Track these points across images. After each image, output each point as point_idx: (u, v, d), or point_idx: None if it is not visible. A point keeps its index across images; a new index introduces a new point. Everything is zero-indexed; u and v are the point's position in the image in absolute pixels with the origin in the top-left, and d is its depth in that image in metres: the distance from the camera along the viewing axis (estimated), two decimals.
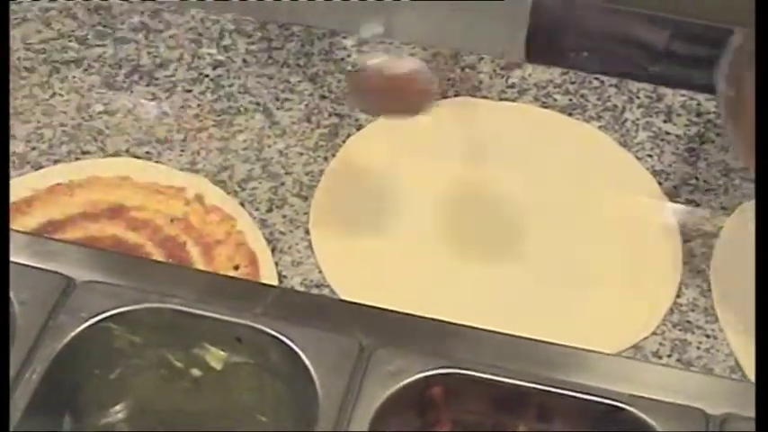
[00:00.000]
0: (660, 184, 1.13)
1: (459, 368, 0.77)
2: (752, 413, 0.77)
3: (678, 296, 1.06)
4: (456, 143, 1.13)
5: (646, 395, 0.76)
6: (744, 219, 1.11)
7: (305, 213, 1.09)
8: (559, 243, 1.09)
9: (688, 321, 1.04)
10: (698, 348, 1.03)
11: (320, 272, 1.05)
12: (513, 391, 0.77)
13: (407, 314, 0.79)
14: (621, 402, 0.75)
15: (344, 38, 1.19)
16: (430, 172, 1.12)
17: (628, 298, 1.06)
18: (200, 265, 1.05)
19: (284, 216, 1.08)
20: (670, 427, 0.74)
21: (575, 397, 0.76)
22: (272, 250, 1.05)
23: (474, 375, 0.76)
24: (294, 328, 0.77)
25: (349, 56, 1.19)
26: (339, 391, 0.74)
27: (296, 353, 0.76)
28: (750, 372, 1.01)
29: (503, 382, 0.76)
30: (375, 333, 0.77)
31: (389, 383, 0.75)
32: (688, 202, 1.12)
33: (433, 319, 0.79)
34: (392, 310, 0.81)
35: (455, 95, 1.18)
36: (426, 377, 0.75)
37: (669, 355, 1.02)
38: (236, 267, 1.05)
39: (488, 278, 1.06)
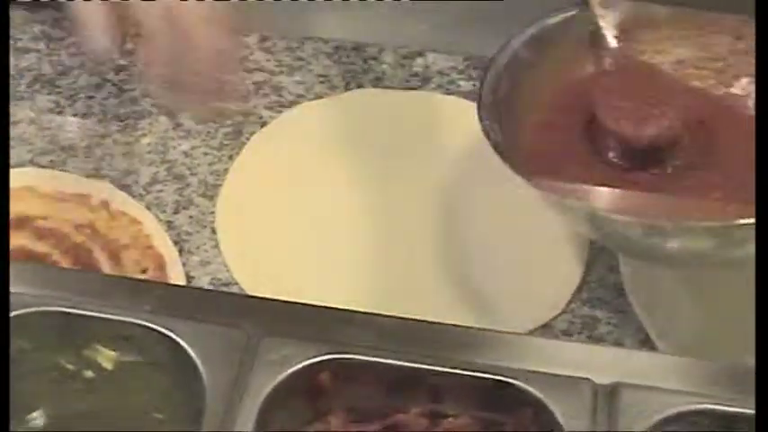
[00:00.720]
0: None
1: (347, 353, 0.76)
2: (640, 381, 0.77)
3: (587, 273, 1.06)
4: (359, 135, 1.13)
5: (533, 369, 0.76)
6: None
7: (211, 213, 1.08)
8: (465, 227, 1.09)
9: (597, 298, 1.05)
10: (608, 324, 1.03)
11: (228, 270, 1.05)
12: (405, 373, 0.77)
13: (298, 303, 0.79)
14: (508, 377, 0.75)
15: (246, 36, 1.19)
16: (334, 165, 1.12)
17: (536, 278, 1.06)
18: (107, 270, 1.05)
19: (191, 217, 1.08)
20: (557, 398, 0.74)
21: (464, 375, 0.76)
22: (180, 252, 1.05)
23: (362, 359, 0.76)
24: (181, 324, 0.77)
25: (252, 54, 1.19)
26: (227, 384, 0.74)
27: (183, 348, 0.76)
28: (659, 343, 1.02)
29: (392, 364, 0.77)
30: (264, 323, 0.77)
31: (276, 372, 0.75)
32: None
33: (324, 307, 0.79)
34: (282, 300, 0.81)
35: (357, 87, 1.17)
36: (313, 364, 0.75)
37: (579, 333, 1.03)
38: (144, 271, 1.05)
39: (396, 267, 1.06)
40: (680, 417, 0.76)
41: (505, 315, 1.03)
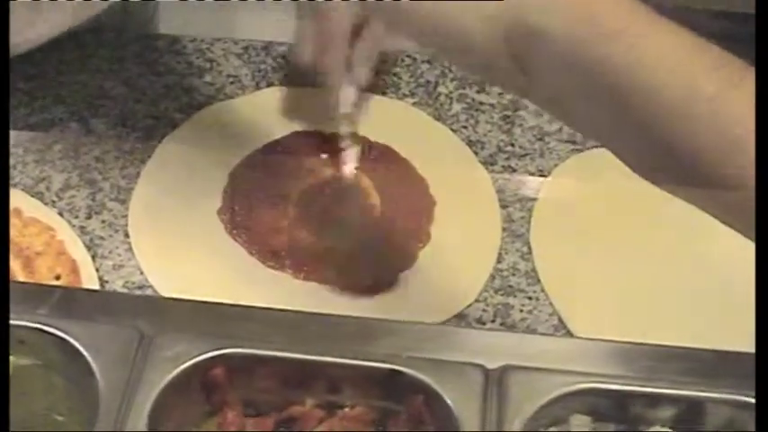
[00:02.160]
0: (476, 153, 1.14)
1: (240, 347, 0.77)
2: (529, 363, 0.78)
3: (499, 261, 1.07)
4: (269, 133, 1.13)
5: (426, 356, 0.76)
6: (560, 181, 1.13)
7: (124, 217, 1.09)
8: None
9: (510, 286, 1.06)
10: (521, 311, 1.04)
11: (142, 273, 1.05)
12: (299, 365, 0.78)
13: (191, 300, 0.80)
14: (400, 366, 0.75)
15: (156, 40, 1.19)
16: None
17: (448, 267, 1.07)
18: (21, 278, 1.05)
19: (103, 221, 1.08)
20: (448, 384, 0.75)
21: (357, 365, 0.76)
22: (93, 256, 1.06)
23: (256, 353, 0.77)
24: (76, 325, 0.77)
25: (161, 57, 1.19)
26: (120, 382, 0.75)
27: (76, 349, 0.76)
28: (572, 326, 1.03)
29: (287, 357, 0.77)
30: (157, 321, 0.77)
31: (169, 369, 0.75)
32: (504, 168, 1.13)
33: (218, 303, 0.79)
34: (175, 298, 0.81)
35: (268, 86, 1.18)
36: (206, 359, 0.76)
37: (493, 320, 1.04)
38: (58, 277, 1.05)
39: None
40: (570, 396, 0.77)
41: (419, 306, 1.04)
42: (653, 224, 1.09)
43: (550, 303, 1.05)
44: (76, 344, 0.77)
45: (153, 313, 0.79)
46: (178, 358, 0.76)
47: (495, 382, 0.76)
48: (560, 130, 1.16)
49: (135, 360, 0.77)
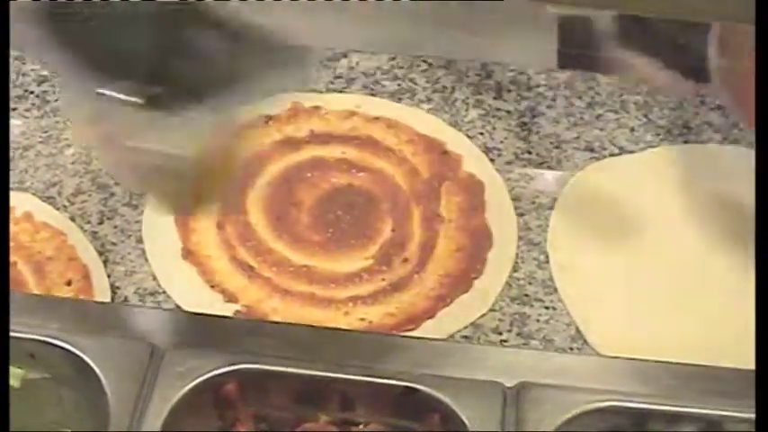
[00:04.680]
0: (492, 160, 1.13)
1: (253, 363, 0.75)
2: (547, 380, 0.77)
3: (515, 270, 1.06)
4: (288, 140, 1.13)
5: (442, 374, 0.75)
6: (577, 190, 1.11)
7: (136, 222, 1.07)
8: (399, 226, 1.08)
9: (526, 295, 1.04)
10: (537, 321, 1.03)
11: (154, 279, 1.04)
12: (313, 381, 0.76)
13: (203, 314, 0.78)
14: (415, 383, 0.74)
15: None
16: (259, 171, 1.11)
17: (462, 275, 1.06)
18: (32, 283, 1.04)
19: (115, 227, 1.07)
20: (465, 402, 0.74)
21: (371, 382, 0.75)
22: (105, 262, 1.04)
23: (269, 369, 0.75)
24: (86, 339, 0.76)
25: None
26: (130, 397, 0.74)
27: (86, 363, 0.75)
28: (590, 337, 1.01)
29: (300, 373, 0.76)
30: (169, 336, 0.76)
31: (181, 384, 0.74)
32: (521, 176, 1.12)
33: (230, 317, 0.78)
34: (187, 312, 0.80)
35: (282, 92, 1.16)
36: (218, 375, 0.75)
37: (509, 330, 1.02)
38: (69, 283, 1.04)
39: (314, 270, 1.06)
40: (588, 414, 0.75)
41: (433, 317, 1.02)
42: (674, 235, 1.08)
43: (567, 313, 1.03)
44: (86, 358, 0.76)
45: (165, 327, 0.79)
46: (190, 373, 0.75)
47: (513, 400, 0.75)
48: (578, 137, 1.14)
49: (146, 375, 0.76)
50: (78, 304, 0.84)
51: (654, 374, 0.78)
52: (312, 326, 0.78)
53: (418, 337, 0.78)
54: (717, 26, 1.02)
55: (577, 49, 1.17)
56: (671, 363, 0.79)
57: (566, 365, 0.77)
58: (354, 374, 0.76)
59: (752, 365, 0.84)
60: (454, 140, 1.15)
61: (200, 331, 0.78)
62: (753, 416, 0.78)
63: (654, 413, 0.77)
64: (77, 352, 0.76)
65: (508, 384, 0.75)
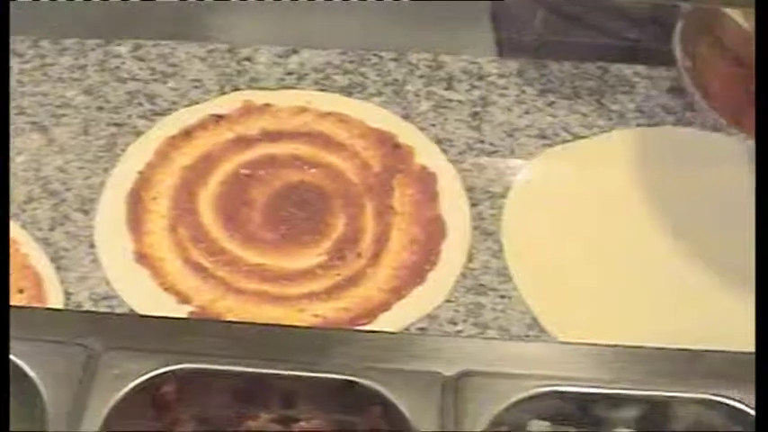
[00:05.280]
0: (445, 151, 1.12)
1: (191, 362, 0.75)
2: (487, 368, 0.76)
3: (470, 260, 1.05)
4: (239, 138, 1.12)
5: (382, 365, 0.74)
6: (530, 177, 1.11)
7: (88, 227, 1.07)
8: (352, 221, 1.08)
9: (481, 285, 1.04)
10: (493, 310, 1.02)
11: (108, 284, 1.03)
12: (253, 379, 0.76)
13: (140, 315, 0.78)
14: (354, 376, 0.74)
15: (118, 45, 1.18)
16: (211, 170, 1.11)
17: (417, 267, 1.05)
18: None
19: (67, 233, 1.07)
20: (404, 393, 0.73)
21: (311, 377, 0.75)
22: (58, 269, 1.04)
23: (207, 368, 0.75)
24: (20, 344, 0.75)
25: (124, 63, 1.17)
26: (67, 401, 0.73)
27: (21, 368, 0.75)
28: (546, 324, 1.01)
29: (239, 371, 0.75)
30: (105, 338, 0.76)
31: (118, 387, 0.74)
32: (474, 166, 1.11)
33: (167, 318, 0.78)
34: (123, 314, 0.80)
35: (233, 90, 1.16)
36: (155, 376, 0.74)
37: (465, 321, 1.02)
38: (21, 291, 1.03)
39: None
40: (528, 400, 0.75)
41: (387, 309, 1.02)
42: (627, 219, 1.08)
43: (523, 301, 1.03)
44: (21, 363, 0.75)
45: (100, 330, 0.78)
46: (127, 375, 0.75)
47: (452, 389, 0.74)
48: (530, 125, 1.14)
49: (82, 378, 0.75)
50: (14, 311, 0.83)
51: (605, 358, 0.78)
52: (253, 323, 0.77)
53: (358, 330, 0.77)
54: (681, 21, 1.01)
55: (519, 36, 1.17)
56: (618, 345, 0.78)
57: (506, 353, 0.77)
58: (294, 370, 0.75)
59: (701, 346, 0.84)
60: (406, 133, 1.14)
61: (135, 333, 0.77)
62: (701, 396, 0.78)
63: (596, 396, 0.76)
64: (13, 358, 0.75)
65: (447, 374, 0.74)
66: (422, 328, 0.99)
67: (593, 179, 1.11)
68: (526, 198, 1.10)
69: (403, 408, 0.73)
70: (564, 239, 1.07)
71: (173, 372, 0.74)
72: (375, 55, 1.19)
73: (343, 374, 0.74)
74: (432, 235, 1.07)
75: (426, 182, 1.10)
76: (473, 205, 1.09)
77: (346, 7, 1.18)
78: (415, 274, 1.05)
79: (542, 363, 0.78)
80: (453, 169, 1.11)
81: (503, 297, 1.03)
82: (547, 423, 0.75)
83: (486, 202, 1.09)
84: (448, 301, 1.03)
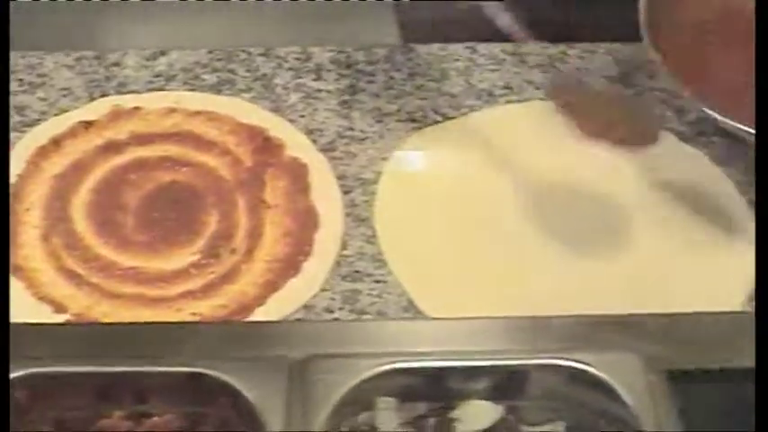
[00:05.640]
0: (315, 141, 1.13)
1: (40, 367, 0.75)
2: (332, 350, 0.77)
3: (344, 248, 1.06)
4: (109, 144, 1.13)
5: (230, 355, 0.75)
6: (400, 161, 1.12)
7: None
8: (224, 217, 1.08)
9: (356, 271, 1.05)
10: (369, 296, 1.03)
11: None
12: (105, 378, 0.76)
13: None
14: (201, 368, 0.74)
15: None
16: (81, 178, 1.11)
17: (290, 258, 1.06)
18: None
19: None
20: (250, 382, 0.74)
21: (160, 372, 0.75)
22: None
23: (57, 371, 0.75)
24: None
25: None
26: None
27: None
28: (423, 305, 1.02)
29: (91, 372, 0.76)
30: None
31: None
32: (345, 154, 1.12)
33: (15, 324, 0.77)
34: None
35: (102, 96, 1.16)
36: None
37: (341, 308, 1.02)
38: None
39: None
40: (377, 378, 0.76)
41: (262, 301, 1.03)
42: (495, 199, 1.09)
43: (399, 284, 1.04)
44: None
45: None
46: None
47: (299, 372, 0.75)
48: (399, 110, 1.15)
49: None
50: None
51: (450, 332, 0.78)
52: (94, 323, 0.78)
53: (206, 322, 0.78)
54: None
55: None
56: (468, 318, 0.79)
57: (352, 333, 0.77)
58: (142, 366, 0.75)
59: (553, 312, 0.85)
60: (276, 126, 1.14)
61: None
62: (549, 362, 0.79)
63: (447, 371, 0.77)
64: None
65: (294, 358, 0.75)
66: (299, 319, 1.00)
67: (458, 159, 1.13)
68: (397, 182, 1.11)
69: (249, 395, 0.73)
70: (432, 221, 1.08)
71: (25, 377, 0.74)
72: (244, 51, 1.19)
73: (189, 367, 0.74)
74: (305, 225, 1.08)
75: (297, 173, 1.11)
76: (345, 193, 1.09)
77: (215, 7, 1.18)
78: (290, 265, 1.05)
79: (394, 341, 0.78)
80: (324, 159, 1.12)
81: (378, 282, 1.04)
82: (394, 400, 0.75)
83: (359, 189, 1.10)
84: (323, 290, 1.03)
